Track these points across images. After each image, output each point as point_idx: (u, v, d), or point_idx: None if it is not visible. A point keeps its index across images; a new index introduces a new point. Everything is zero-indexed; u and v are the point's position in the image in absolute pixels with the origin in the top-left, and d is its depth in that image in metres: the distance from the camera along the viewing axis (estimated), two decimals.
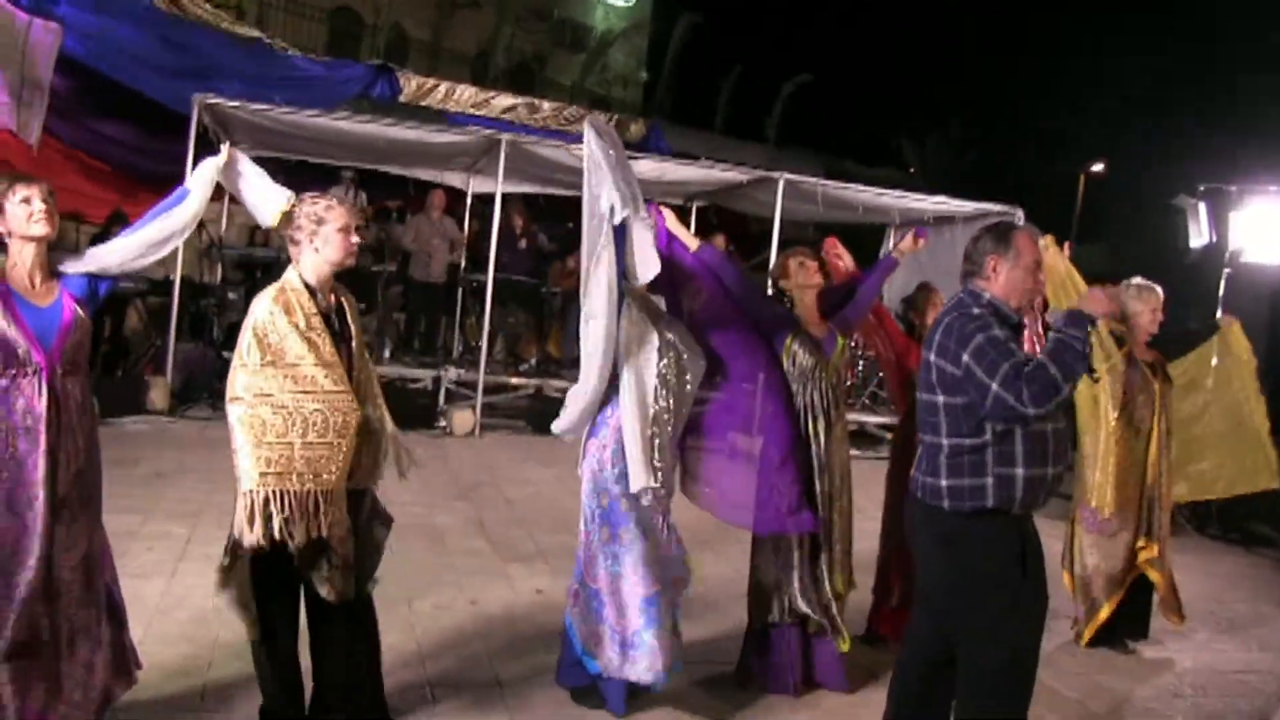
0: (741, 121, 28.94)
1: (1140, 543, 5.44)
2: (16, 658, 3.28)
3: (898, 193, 12.80)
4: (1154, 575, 5.50)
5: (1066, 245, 5.33)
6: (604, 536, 4.10)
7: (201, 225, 11.99)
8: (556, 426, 4.17)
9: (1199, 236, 10.97)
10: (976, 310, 3.43)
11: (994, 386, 3.22)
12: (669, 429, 4.08)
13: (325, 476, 3.41)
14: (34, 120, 11.10)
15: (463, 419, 10.70)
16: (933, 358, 3.46)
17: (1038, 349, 3.87)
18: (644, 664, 4.03)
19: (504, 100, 15.36)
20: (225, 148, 3.76)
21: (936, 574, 3.54)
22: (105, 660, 3.50)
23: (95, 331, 10.76)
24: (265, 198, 3.70)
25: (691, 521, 4.46)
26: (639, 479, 3.93)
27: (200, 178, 3.61)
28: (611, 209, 3.81)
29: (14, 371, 3.30)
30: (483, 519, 7.27)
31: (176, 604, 5.00)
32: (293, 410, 3.38)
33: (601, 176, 3.90)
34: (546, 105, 16.16)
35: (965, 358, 3.31)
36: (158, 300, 11.46)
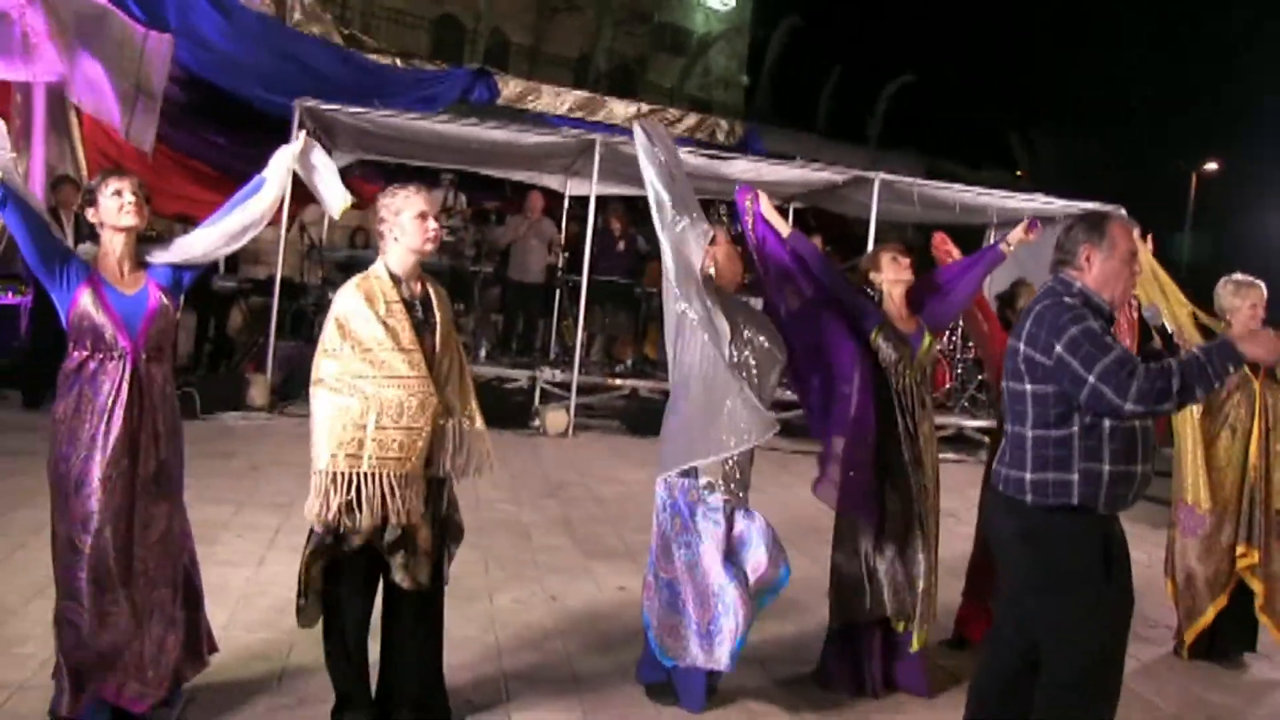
0: (843, 123, 28.66)
1: (1241, 549, 5.18)
2: (98, 634, 3.37)
3: (996, 192, 12.56)
4: (1255, 583, 5.21)
5: (1149, 238, 5.10)
6: (676, 526, 4.07)
7: (303, 228, 12.33)
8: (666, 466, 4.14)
9: None
10: (1068, 299, 3.31)
11: (1091, 379, 3.10)
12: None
13: (400, 460, 3.41)
14: (148, 128, 11.56)
15: (556, 419, 10.75)
16: (1022, 346, 3.33)
17: (1128, 341, 3.73)
18: (721, 650, 3.99)
19: (600, 102, 15.43)
20: (302, 134, 3.85)
21: (1018, 571, 3.41)
22: (177, 640, 3.57)
23: (200, 330, 11.15)
24: (333, 191, 3.79)
25: (782, 523, 4.42)
26: (706, 456, 3.94)
27: (276, 166, 3.70)
28: (674, 217, 3.98)
29: (101, 355, 3.42)
30: (569, 516, 7.28)
31: (260, 591, 5.08)
32: (370, 395, 3.38)
33: (656, 181, 4.00)
34: (645, 108, 16.20)
35: (1058, 348, 3.18)
36: (260, 300, 11.76)
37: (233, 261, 11.46)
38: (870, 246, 11.66)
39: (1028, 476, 3.29)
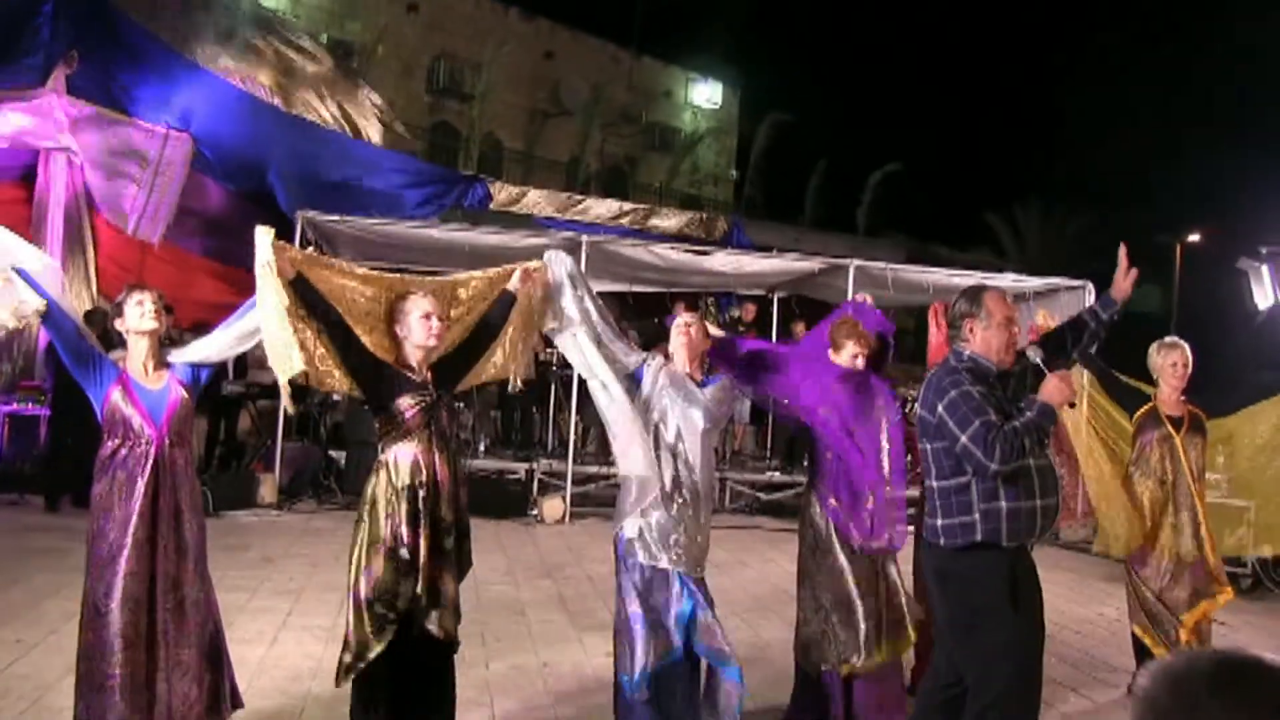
0: (833, 213, 29.51)
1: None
2: (125, 690, 3.79)
3: (967, 273, 13.09)
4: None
5: (1044, 315, 5.51)
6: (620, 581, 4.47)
7: None
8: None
9: (1265, 299, 10.99)
10: (955, 364, 3.83)
11: (963, 439, 3.61)
12: (689, 505, 4.43)
13: None
14: (159, 224, 12.25)
15: (552, 507, 11.16)
16: (920, 409, 3.85)
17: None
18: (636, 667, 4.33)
19: (589, 204, 16.07)
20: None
21: (940, 610, 3.85)
22: (198, 697, 3.98)
23: (211, 432, 11.57)
24: None
25: (765, 593, 4.80)
26: (629, 529, 4.41)
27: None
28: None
29: (130, 442, 3.91)
30: (563, 594, 7.68)
31: (274, 665, 5.52)
32: None
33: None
34: (630, 207, 16.80)
35: (940, 409, 3.71)
36: (267, 403, 12.25)
37: (240, 367, 11.99)
38: None
39: (939, 522, 3.76)
